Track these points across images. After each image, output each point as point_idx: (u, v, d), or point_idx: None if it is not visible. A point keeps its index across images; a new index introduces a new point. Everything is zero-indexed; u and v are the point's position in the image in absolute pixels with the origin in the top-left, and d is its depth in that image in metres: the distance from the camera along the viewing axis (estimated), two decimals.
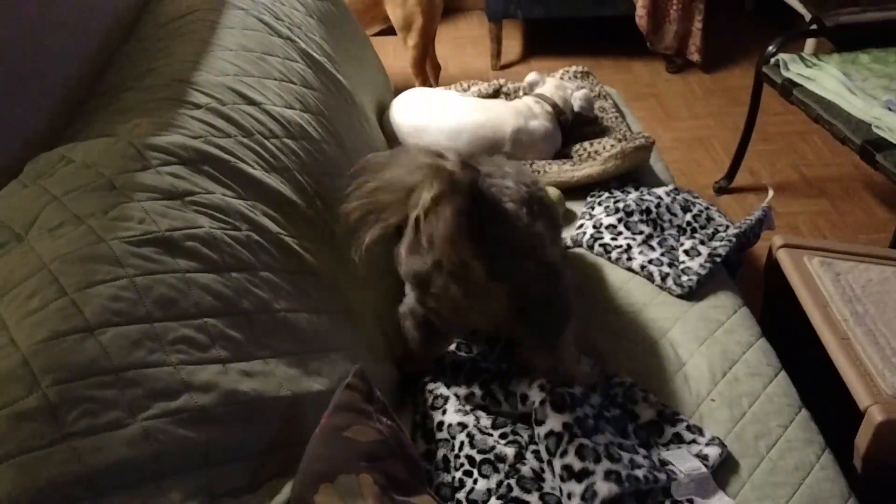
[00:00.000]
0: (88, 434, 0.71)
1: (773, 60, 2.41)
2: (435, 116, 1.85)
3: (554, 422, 1.12)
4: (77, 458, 0.69)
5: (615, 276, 1.56)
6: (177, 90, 1.15)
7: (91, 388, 0.74)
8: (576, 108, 1.95)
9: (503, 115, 1.85)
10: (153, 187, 0.97)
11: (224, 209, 1.01)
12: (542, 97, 1.91)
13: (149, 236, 0.90)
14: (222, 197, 1.03)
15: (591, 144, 1.88)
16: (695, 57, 3.39)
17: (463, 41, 3.81)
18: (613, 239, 1.60)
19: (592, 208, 1.70)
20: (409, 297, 1.27)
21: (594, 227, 1.63)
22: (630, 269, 1.56)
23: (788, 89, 2.31)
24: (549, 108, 1.89)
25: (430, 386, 1.27)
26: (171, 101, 1.13)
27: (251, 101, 1.22)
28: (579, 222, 1.69)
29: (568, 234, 1.67)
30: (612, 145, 1.85)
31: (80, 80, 1.32)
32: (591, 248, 1.61)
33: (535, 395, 1.18)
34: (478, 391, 1.24)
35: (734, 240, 1.58)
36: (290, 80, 1.35)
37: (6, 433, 0.69)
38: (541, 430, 1.13)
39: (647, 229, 1.62)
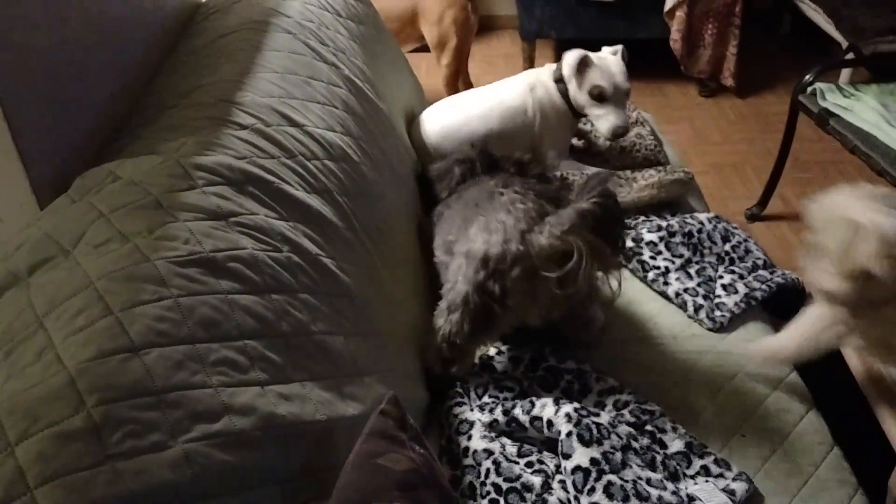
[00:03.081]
0: (131, 456, 0.72)
1: (809, 90, 2.40)
2: (461, 110, 1.91)
3: (581, 456, 1.12)
4: (120, 480, 0.70)
5: (647, 305, 1.55)
6: (223, 110, 1.17)
7: (135, 409, 0.75)
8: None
9: (520, 91, 1.89)
10: (199, 207, 0.98)
11: (266, 230, 1.03)
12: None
13: (193, 257, 0.91)
14: (265, 218, 1.04)
15: (628, 173, 1.88)
16: (729, 81, 3.38)
17: (496, 60, 3.83)
18: (652, 258, 1.59)
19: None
20: (462, 284, 1.27)
21: (633, 240, 1.63)
22: (664, 295, 1.55)
23: (825, 119, 2.30)
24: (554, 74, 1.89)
25: (456, 410, 1.28)
26: (217, 120, 1.15)
27: (294, 123, 1.24)
28: None
29: None
30: (651, 174, 1.85)
31: (126, 95, 1.34)
32: (627, 261, 1.61)
33: (562, 425, 1.17)
34: (501, 418, 1.24)
35: (775, 287, 1.57)
36: (333, 105, 1.37)
37: (53, 452, 0.70)
38: (567, 465, 1.12)
39: (686, 253, 1.61)
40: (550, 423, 1.19)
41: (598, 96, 1.79)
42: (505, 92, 1.90)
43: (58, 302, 0.85)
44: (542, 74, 1.89)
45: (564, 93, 1.85)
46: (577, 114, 1.88)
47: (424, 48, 2.89)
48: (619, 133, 1.82)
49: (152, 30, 1.49)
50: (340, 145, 1.31)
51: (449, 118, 1.89)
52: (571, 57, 1.81)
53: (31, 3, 1.06)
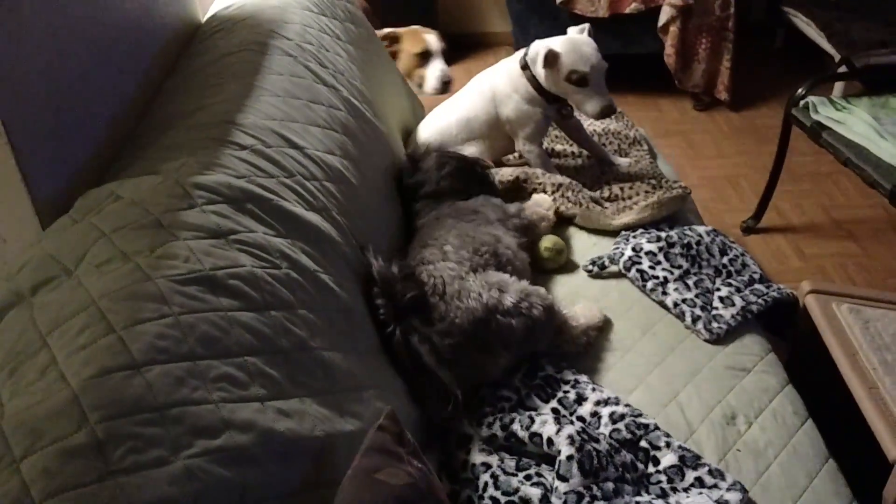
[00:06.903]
0: (134, 471, 0.73)
1: (802, 103, 2.42)
2: (445, 112, 2.01)
3: (577, 483, 1.13)
4: (123, 495, 0.71)
5: (645, 315, 1.56)
6: (224, 130, 1.19)
7: (137, 425, 0.76)
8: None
9: (483, 79, 1.98)
10: (198, 226, 1.00)
11: (265, 247, 1.04)
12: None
13: (194, 275, 0.93)
14: (264, 235, 1.06)
15: (623, 190, 1.90)
16: (723, 95, 3.41)
17: None
18: (651, 268, 1.61)
19: (627, 240, 1.72)
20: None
21: (633, 250, 1.64)
22: (663, 304, 1.57)
23: (817, 132, 2.32)
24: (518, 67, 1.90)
25: (455, 424, 1.29)
26: (217, 140, 1.17)
27: (294, 146, 1.26)
28: (615, 246, 1.71)
29: (604, 254, 1.70)
30: (647, 192, 1.87)
31: (127, 115, 1.36)
32: (627, 270, 1.63)
33: (563, 446, 1.17)
34: (500, 433, 1.25)
35: (770, 301, 1.58)
36: (333, 129, 1.40)
37: (57, 468, 0.71)
38: (561, 486, 1.13)
39: (685, 264, 1.63)
40: (551, 442, 1.20)
41: (579, 81, 1.78)
42: (475, 83, 2.00)
43: (61, 321, 0.87)
44: (509, 61, 1.94)
45: (532, 78, 1.86)
46: (549, 98, 1.88)
47: None
48: (607, 112, 1.79)
49: (153, 50, 1.51)
50: (339, 168, 1.33)
51: (437, 123, 1.99)
52: (538, 52, 1.82)
53: (32, 26, 1.08)
